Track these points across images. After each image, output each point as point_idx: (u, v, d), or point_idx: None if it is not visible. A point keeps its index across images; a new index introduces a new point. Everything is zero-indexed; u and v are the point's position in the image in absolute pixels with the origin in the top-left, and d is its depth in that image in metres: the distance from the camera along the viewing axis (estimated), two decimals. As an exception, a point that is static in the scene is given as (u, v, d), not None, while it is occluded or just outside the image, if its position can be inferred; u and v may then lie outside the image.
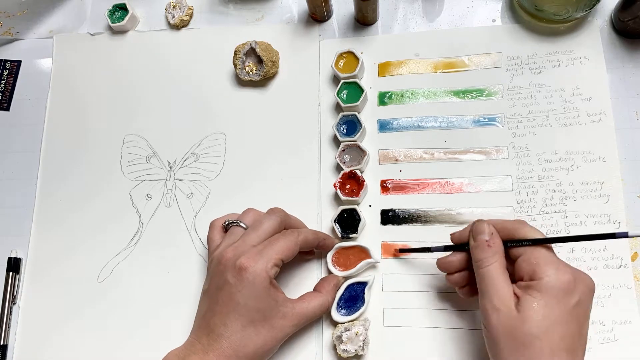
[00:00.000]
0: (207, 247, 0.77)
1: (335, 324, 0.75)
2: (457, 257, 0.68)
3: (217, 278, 0.69)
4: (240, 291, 0.66)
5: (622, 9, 0.79)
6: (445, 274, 0.70)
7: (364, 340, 0.72)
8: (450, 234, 0.69)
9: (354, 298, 0.75)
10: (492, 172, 0.79)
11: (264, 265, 0.66)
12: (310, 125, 0.85)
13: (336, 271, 0.76)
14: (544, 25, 0.83)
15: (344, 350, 0.72)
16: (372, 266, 0.77)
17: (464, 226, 0.75)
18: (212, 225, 0.76)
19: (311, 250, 0.78)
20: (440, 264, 0.69)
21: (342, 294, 0.75)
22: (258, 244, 0.69)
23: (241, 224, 0.73)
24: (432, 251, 0.72)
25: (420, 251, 0.74)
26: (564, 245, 0.74)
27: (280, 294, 0.69)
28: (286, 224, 0.74)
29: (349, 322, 0.74)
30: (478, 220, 0.65)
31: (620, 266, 0.73)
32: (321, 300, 0.72)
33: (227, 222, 0.74)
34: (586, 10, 0.79)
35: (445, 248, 0.71)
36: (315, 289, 0.75)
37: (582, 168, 0.77)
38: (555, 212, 0.76)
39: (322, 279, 0.76)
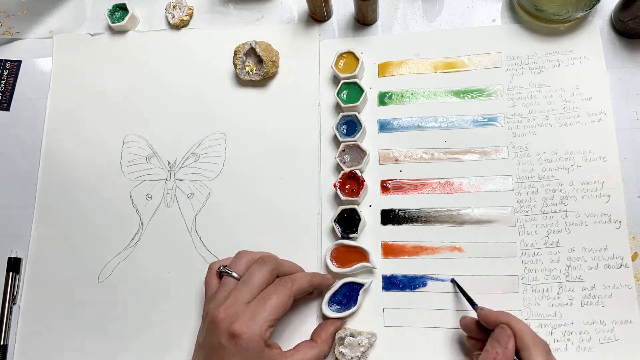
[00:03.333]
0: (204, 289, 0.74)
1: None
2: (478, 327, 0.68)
3: (210, 337, 0.66)
4: (234, 355, 0.64)
5: (622, 9, 0.78)
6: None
7: (364, 352, 0.72)
8: (479, 308, 0.67)
9: (348, 297, 0.75)
10: (492, 172, 0.78)
11: (259, 329, 0.64)
12: (310, 125, 0.85)
13: (332, 267, 0.76)
14: (543, 25, 0.83)
15: (341, 353, 0.72)
16: (369, 270, 0.76)
17: (464, 226, 0.76)
18: (209, 268, 0.74)
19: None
20: (462, 323, 0.70)
21: (338, 290, 0.75)
22: (250, 300, 0.67)
23: (233, 274, 0.70)
24: (473, 307, 0.70)
25: (466, 297, 0.71)
26: (565, 245, 0.74)
27: (275, 350, 0.67)
28: (278, 271, 0.71)
29: (346, 316, 0.74)
30: (504, 329, 0.62)
31: (621, 266, 0.72)
32: (317, 352, 0.70)
33: (220, 269, 0.72)
34: (586, 11, 0.78)
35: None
36: (312, 337, 0.73)
37: (582, 168, 0.76)
38: (555, 211, 0.75)
39: (319, 326, 0.74)
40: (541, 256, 0.74)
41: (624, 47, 0.81)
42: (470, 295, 0.71)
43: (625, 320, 0.71)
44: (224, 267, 0.71)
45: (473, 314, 0.69)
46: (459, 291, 0.73)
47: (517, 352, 0.60)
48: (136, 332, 0.80)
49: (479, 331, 0.67)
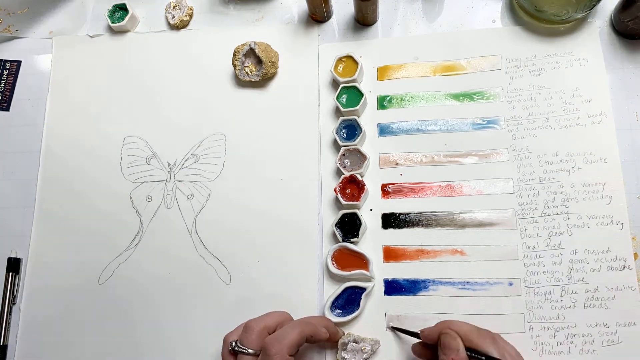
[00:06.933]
0: None
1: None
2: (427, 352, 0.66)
3: None
4: None
5: (622, 9, 0.75)
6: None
7: (366, 359, 0.69)
8: (420, 330, 0.65)
9: (351, 301, 0.72)
10: (493, 174, 0.75)
11: None
12: (310, 126, 0.81)
13: (332, 267, 0.73)
14: (543, 26, 0.79)
15: (343, 359, 0.69)
16: (367, 278, 0.72)
17: (466, 229, 0.73)
18: (224, 341, 0.67)
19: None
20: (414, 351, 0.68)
21: (340, 294, 0.72)
22: None
23: (248, 350, 0.62)
24: (417, 337, 0.67)
25: (409, 334, 0.68)
26: (567, 247, 0.70)
27: None
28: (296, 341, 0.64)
29: (348, 320, 0.71)
30: (447, 334, 0.61)
31: (624, 268, 0.69)
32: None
33: (233, 347, 0.64)
34: (586, 11, 0.74)
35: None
36: None
37: (583, 169, 0.73)
38: (557, 213, 0.72)
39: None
40: (543, 259, 0.70)
41: (624, 47, 0.77)
42: (409, 330, 0.68)
43: (629, 323, 0.67)
44: (237, 343, 0.64)
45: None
46: (400, 333, 0.70)
47: (470, 350, 0.59)
48: (136, 333, 0.77)
49: (430, 352, 0.65)
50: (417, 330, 0.66)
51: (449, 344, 0.59)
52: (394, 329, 0.70)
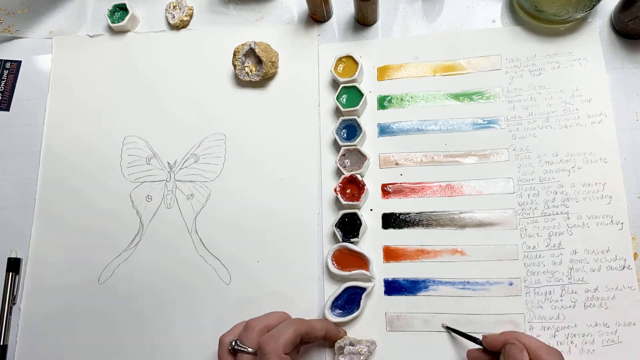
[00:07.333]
0: None
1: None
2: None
3: None
4: None
5: (622, 9, 0.74)
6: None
7: None
8: (483, 336, 0.65)
9: (351, 301, 0.71)
10: (493, 174, 0.74)
11: None
12: (310, 125, 0.81)
13: (332, 267, 0.72)
14: (543, 26, 0.78)
15: None
16: (368, 278, 0.72)
17: (466, 229, 0.72)
18: (220, 343, 0.66)
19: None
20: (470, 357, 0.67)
21: (340, 294, 0.71)
22: None
23: (248, 349, 0.62)
24: (475, 342, 0.66)
25: (465, 337, 0.67)
26: (567, 247, 0.70)
27: None
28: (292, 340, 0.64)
29: (349, 320, 0.70)
30: (515, 345, 0.59)
31: (624, 267, 0.68)
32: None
33: (233, 345, 0.64)
34: (586, 11, 0.74)
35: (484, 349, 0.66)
36: None
37: (583, 169, 0.72)
38: (557, 213, 0.71)
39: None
40: (543, 258, 0.70)
41: (624, 47, 0.77)
42: (467, 333, 0.67)
43: (629, 322, 0.67)
44: (237, 342, 0.64)
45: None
46: (456, 334, 0.68)
47: None
48: (136, 333, 0.76)
49: (489, 359, 0.64)
50: (477, 336, 0.65)
51: (515, 356, 0.58)
52: (449, 330, 0.69)
